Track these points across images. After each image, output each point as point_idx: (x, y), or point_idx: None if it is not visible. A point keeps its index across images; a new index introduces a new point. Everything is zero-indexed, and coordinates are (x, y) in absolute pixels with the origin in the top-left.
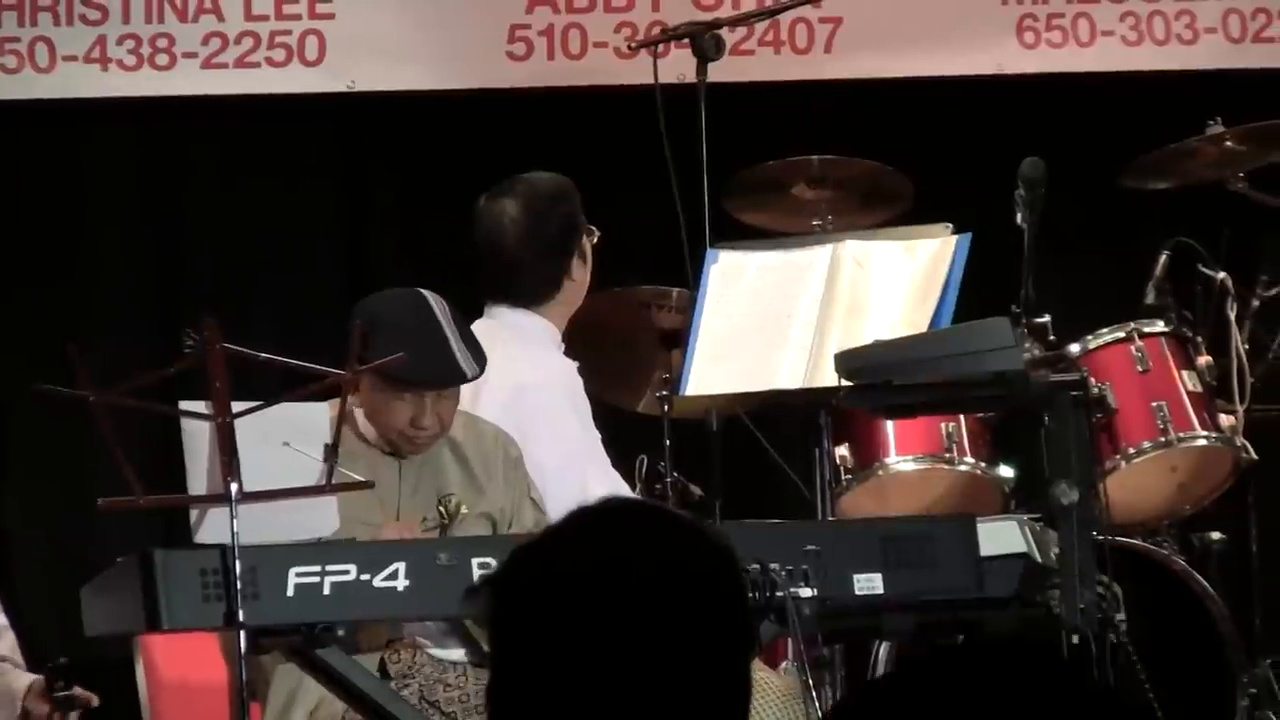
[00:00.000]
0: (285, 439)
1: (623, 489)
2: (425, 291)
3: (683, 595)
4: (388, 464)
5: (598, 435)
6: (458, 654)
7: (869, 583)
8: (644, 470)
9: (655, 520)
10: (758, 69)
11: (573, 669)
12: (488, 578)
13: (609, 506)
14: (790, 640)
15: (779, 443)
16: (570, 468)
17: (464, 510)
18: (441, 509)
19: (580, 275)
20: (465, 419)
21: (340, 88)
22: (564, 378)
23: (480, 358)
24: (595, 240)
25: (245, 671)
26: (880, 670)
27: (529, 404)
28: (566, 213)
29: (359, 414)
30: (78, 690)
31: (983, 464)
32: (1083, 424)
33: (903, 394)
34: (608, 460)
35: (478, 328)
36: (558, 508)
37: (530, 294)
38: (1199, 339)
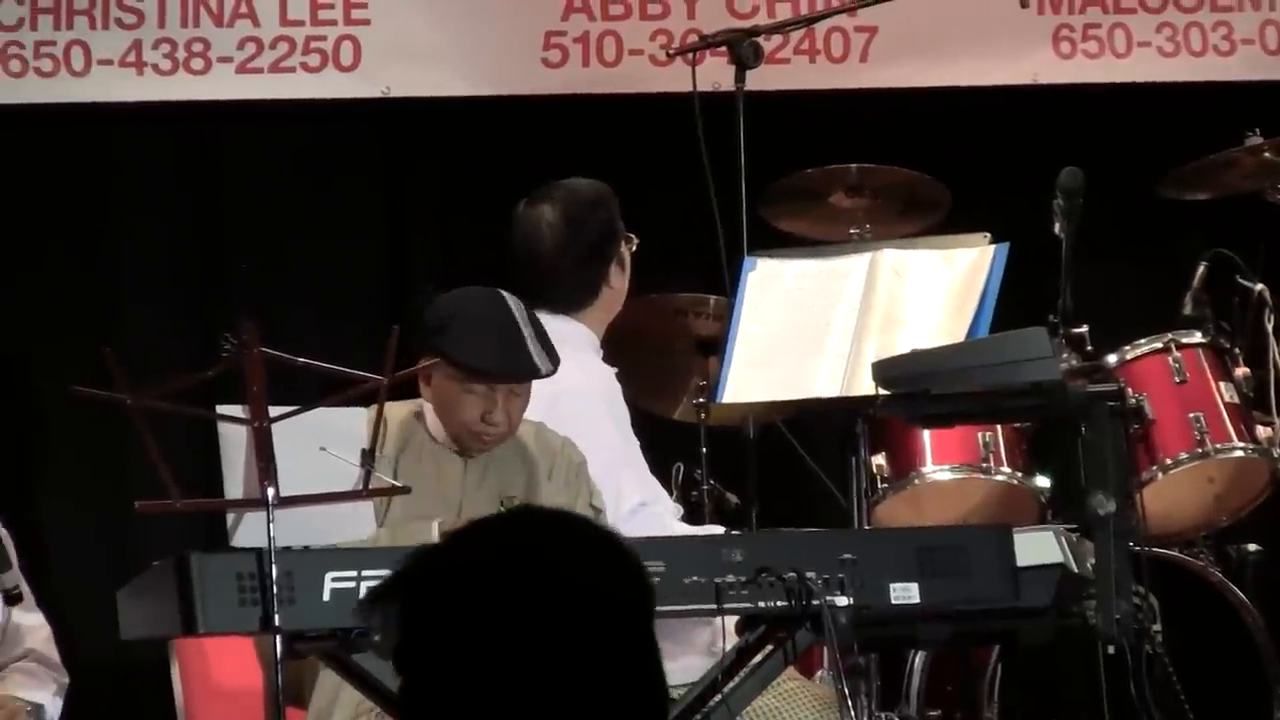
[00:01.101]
0: (322, 443)
1: (660, 495)
2: (503, 291)
3: (580, 598)
4: (453, 461)
5: (636, 442)
6: None
7: (905, 592)
8: (680, 477)
9: (560, 526)
10: (793, 77)
11: (474, 669)
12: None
13: (517, 512)
14: (826, 649)
15: (815, 451)
16: (607, 474)
17: None
18: (503, 509)
19: (619, 282)
20: (535, 428)
21: (375, 93)
22: (603, 384)
23: (554, 358)
24: (634, 248)
25: (280, 676)
26: (916, 680)
27: (567, 410)
28: (605, 219)
29: (429, 411)
30: None
31: (1019, 474)
32: (1119, 434)
33: (940, 403)
34: (645, 467)
35: None
36: (601, 506)
37: (568, 300)
38: (1236, 350)
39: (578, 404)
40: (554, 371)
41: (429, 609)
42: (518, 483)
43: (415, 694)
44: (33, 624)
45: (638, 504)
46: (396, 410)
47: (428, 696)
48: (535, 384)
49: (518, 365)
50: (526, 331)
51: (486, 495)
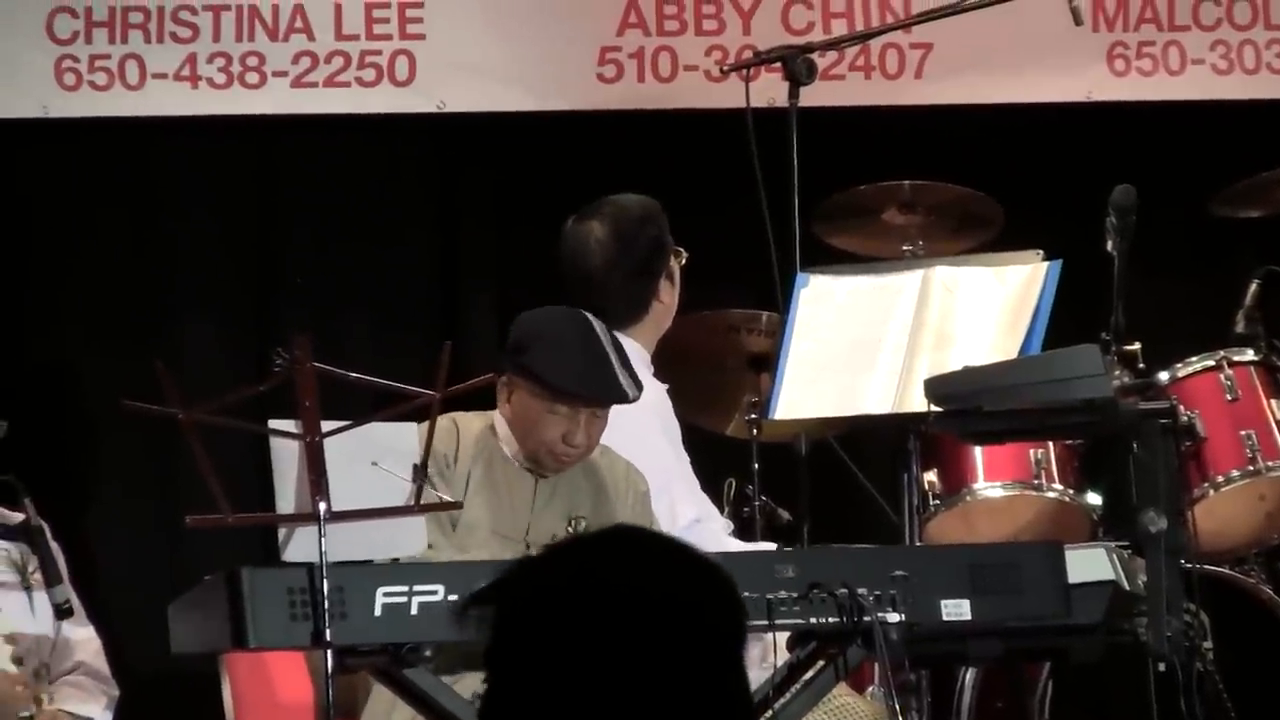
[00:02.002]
0: (374, 458)
1: (711, 512)
2: (586, 312)
3: (674, 619)
4: (524, 479)
5: (687, 458)
6: None
7: (956, 608)
8: (732, 493)
9: (656, 547)
10: (848, 94)
11: (562, 683)
12: (492, 583)
13: (617, 531)
14: (877, 665)
15: (867, 467)
16: (661, 490)
17: None
18: (570, 528)
19: (668, 297)
20: (601, 448)
21: (430, 108)
22: (655, 400)
23: (638, 383)
24: (683, 262)
25: (332, 691)
26: (966, 697)
27: (620, 426)
28: (654, 235)
29: (500, 425)
30: None
31: (1071, 491)
32: (1171, 452)
33: (992, 420)
34: (697, 483)
35: None
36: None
37: (619, 316)
38: None
39: (630, 420)
40: (639, 397)
41: (522, 617)
42: (585, 503)
43: (499, 697)
44: (83, 637)
45: (692, 520)
46: (469, 423)
47: (511, 701)
48: None
49: (606, 389)
50: (612, 355)
51: (554, 514)
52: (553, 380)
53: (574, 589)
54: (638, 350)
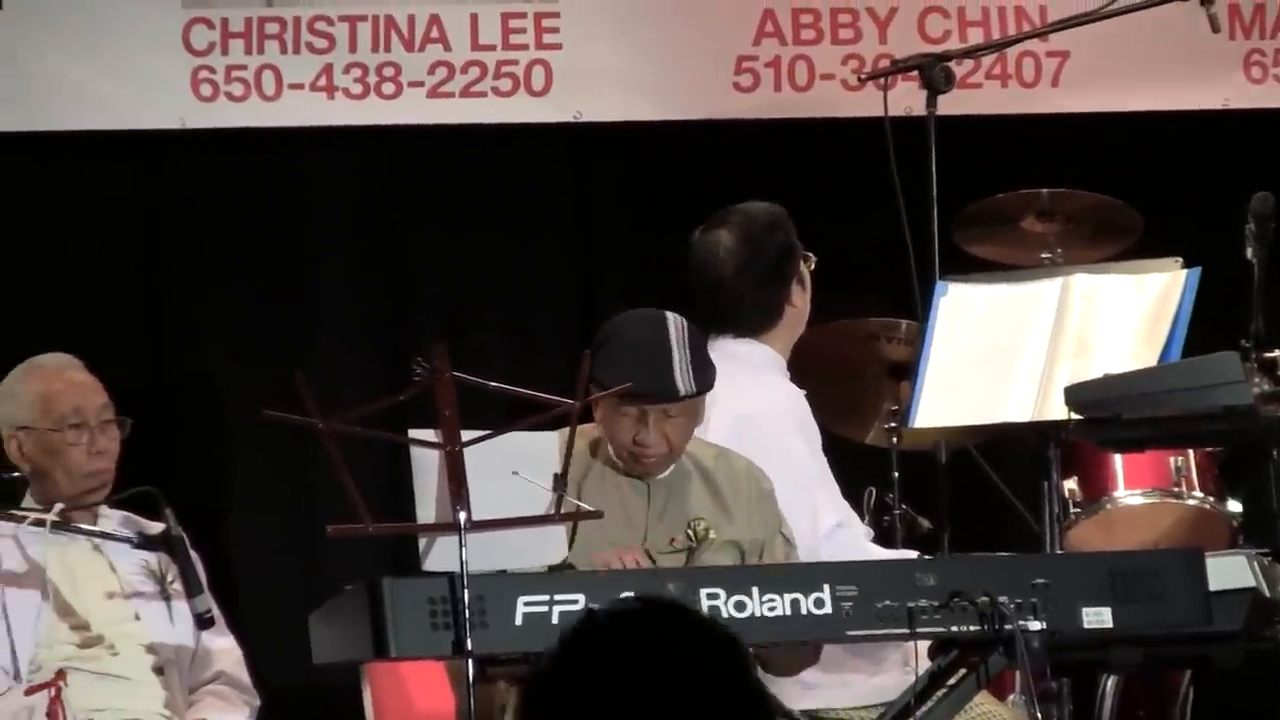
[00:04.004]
0: (514, 468)
1: (853, 518)
2: (669, 313)
3: (704, 694)
4: (636, 487)
5: (826, 462)
6: None
7: (1097, 616)
8: (872, 501)
9: (682, 620)
10: (984, 102)
11: None
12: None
13: (650, 604)
14: (1018, 673)
15: (1007, 475)
16: (802, 494)
17: (712, 535)
18: (690, 532)
19: (800, 301)
20: (717, 451)
21: (567, 118)
22: (792, 404)
23: (704, 380)
24: (813, 266)
25: (473, 700)
26: (1107, 704)
27: (757, 432)
28: (782, 240)
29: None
30: None
31: (1211, 498)
32: None
33: (1132, 428)
34: (837, 488)
35: None
36: (790, 535)
37: (752, 323)
38: None
39: (768, 425)
40: (698, 393)
41: (555, 691)
42: (702, 508)
43: None
44: (224, 647)
45: (834, 525)
46: (581, 438)
47: None
48: (724, 406)
49: (656, 387)
50: (678, 353)
51: (670, 521)
52: (607, 381)
53: (605, 666)
54: (772, 355)
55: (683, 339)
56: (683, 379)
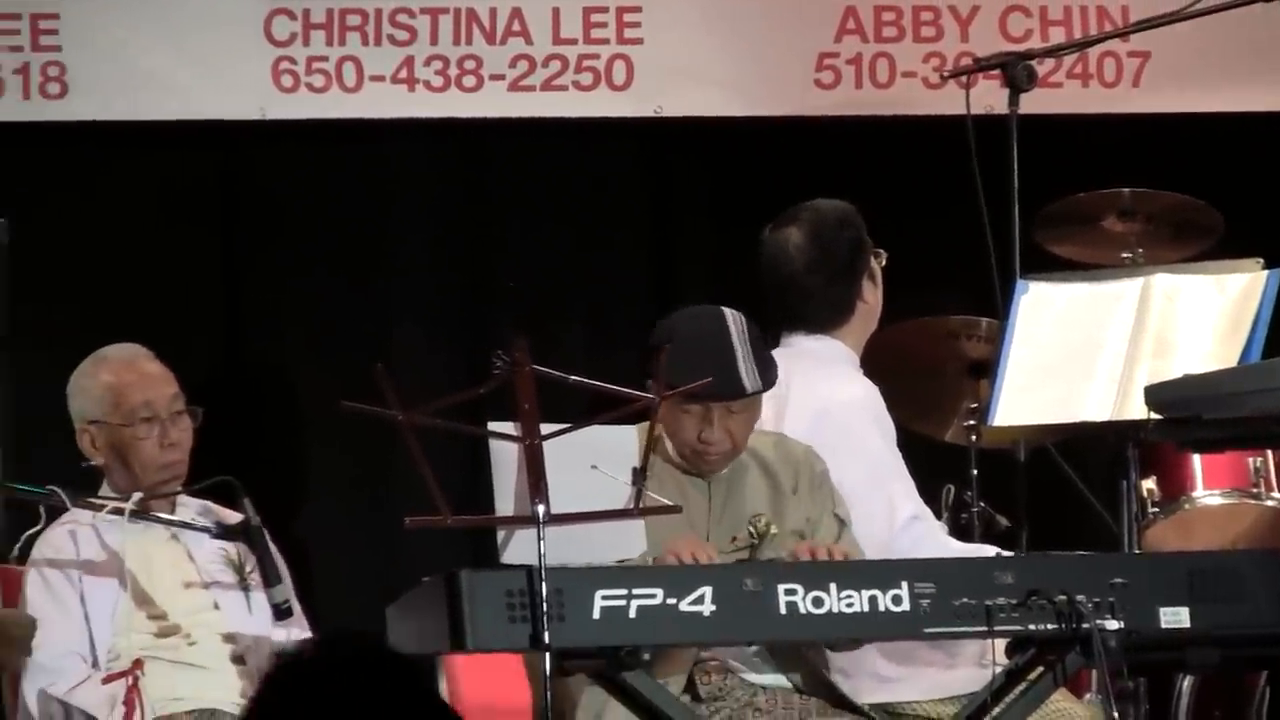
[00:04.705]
0: (593, 462)
1: (926, 512)
2: (726, 309)
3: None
4: (696, 485)
5: (901, 457)
6: (769, 678)
7: (1175, 616)
8: (950, 499)
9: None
10: (1065, 101)
11: None
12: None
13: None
14: (1095, 672)
15: (1086, 474)
16: (879, 486)
17: (773, 530)
18: (751, 529)
19: (872, 297)
20: (775, 439)
21: (648, 112)
22: (866, 398)
23: (768, 376)
24: (884, 262)
25: (550, 694)
26: (1184, 703)
27: (832, 425)
28: (852, 236)
29: (666, 435)
30: None
31: None
32: None
33: (1211, 428)
34: (912, 482)
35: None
36: (868, 527)
37: (823, 320)
38: None
39: (843, 418)
40: (764, 389)
41: None
42: (762, 501)
43: None
44: (302, 638)
45: (910, 517)
46: (641, 435)
47: None
48: (801, 402)
49: (722, 384)
50: (740, 350)
51: (731, 519)
52: (671, 379)
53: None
54: (844, 351)
55: (743, 335)
56: (748, 376)
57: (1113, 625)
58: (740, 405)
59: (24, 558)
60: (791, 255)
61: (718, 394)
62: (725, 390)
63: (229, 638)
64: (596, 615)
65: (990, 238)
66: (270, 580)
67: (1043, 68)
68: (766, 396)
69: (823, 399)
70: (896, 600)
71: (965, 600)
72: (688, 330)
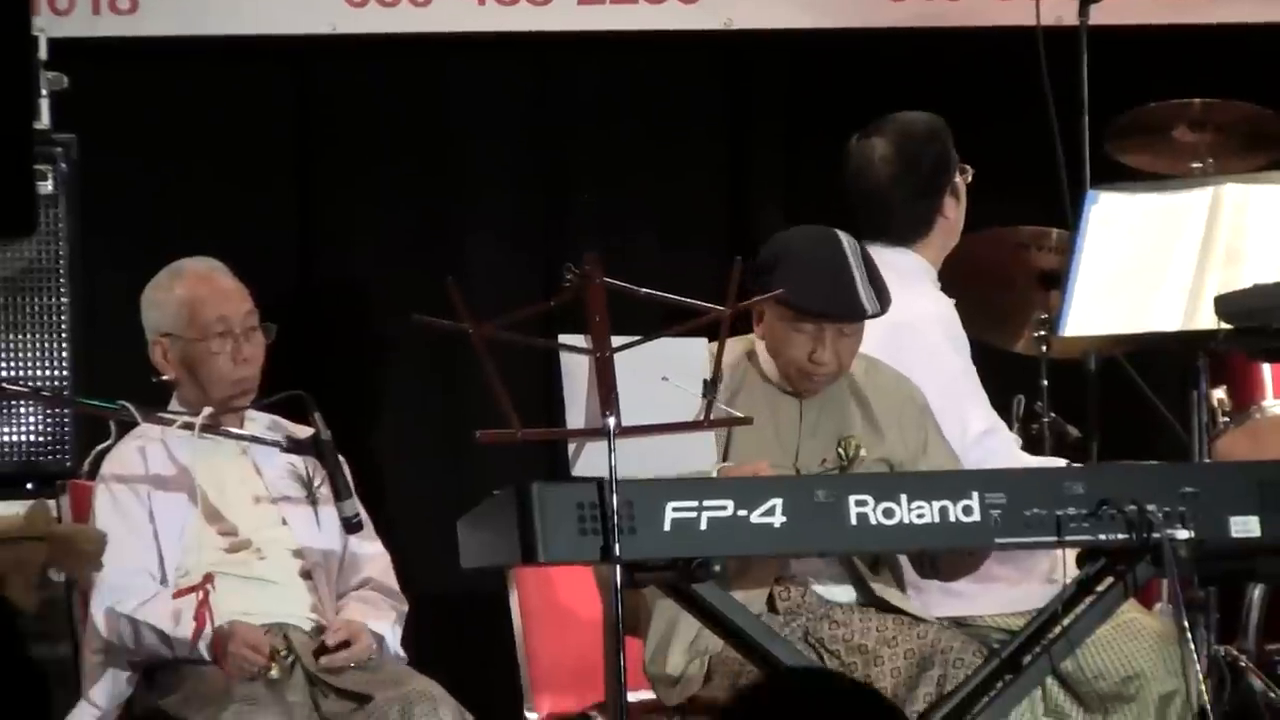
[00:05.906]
0: (664, 374)
1: (1000, 427)
2: (838, 231)
3: None
4: (788, 403)
5: (975, 371)
6: (844, 593)
7: (1245, 525)
8: (1021, 410)
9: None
10: (1136, 12)
11: None
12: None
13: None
14: (1166, 582)
15: (1156, 384)
16: (952, 402)
17: (863, 453)
18: (841, 450)
19: (954, 213)
20: (866, 363)
21: (717, 25)
22: (941, 314)
23: (885, 299)
24: (969, 178)
25: (620, 606)
26: (1254, 614)
27: (907, 341)
28: (938, 151)
29: (762, 351)
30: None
31: None
32: None
33: None
34: (986, 397)
35: None
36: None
37: (904, 233)
38: None
39: (918, 335)
40: (881, 312)
41: None
42: (854, 422)
43: None
44: (372, 552)
45: (982, 431)
46: (730, 349)
47: None
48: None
49: (845, 305)
50: (858, 272)
51: (823, 437)
52: (792, 298)
53: None
54: (923, 265)
55: (858, 256)
56: (867, 298)
57: (1183, 535)
58: (852, 328)
59: (94, 473)
60: (876, 166)
61: (835, 314)
62: (844, 311)
63: (298, 553)
64: (667, 527)
65: (1060, 149)
66: (341, 494)
67: None
68: None
69: (900, 312)
70: (967, 511)
71: (1036, 510)
72: (804, 250)
